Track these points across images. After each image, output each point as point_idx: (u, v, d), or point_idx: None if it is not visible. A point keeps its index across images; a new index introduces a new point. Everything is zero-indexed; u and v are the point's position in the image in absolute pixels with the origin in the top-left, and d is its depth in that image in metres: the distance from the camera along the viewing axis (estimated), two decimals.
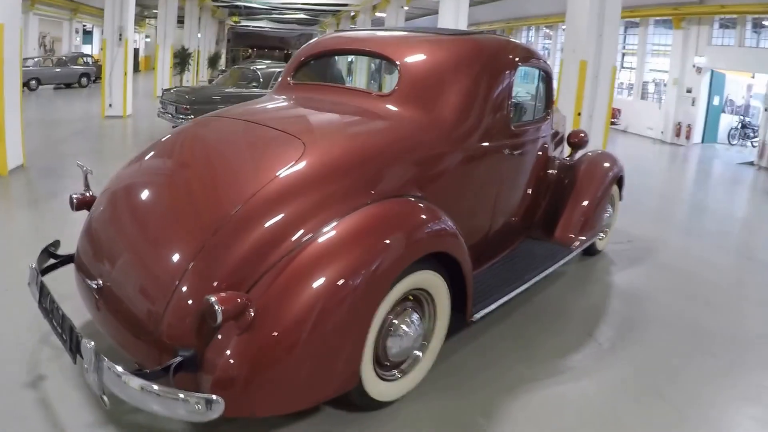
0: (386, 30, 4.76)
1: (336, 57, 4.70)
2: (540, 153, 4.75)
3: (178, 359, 2.48)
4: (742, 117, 19.11)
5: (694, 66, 17.12)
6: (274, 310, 2.53)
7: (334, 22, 37.91)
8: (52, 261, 3.50)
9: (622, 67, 21.34)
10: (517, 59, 4.23)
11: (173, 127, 11.39)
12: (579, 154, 5.71)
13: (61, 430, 2.83)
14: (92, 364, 2.45)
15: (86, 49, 31.73)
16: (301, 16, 38.41)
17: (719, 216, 9.15)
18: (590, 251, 5.81)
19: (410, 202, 3.21)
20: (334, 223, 2.83)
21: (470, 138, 3.76)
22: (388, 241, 2.85)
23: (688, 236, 7.49)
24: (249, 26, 45.20)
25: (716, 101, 17.92)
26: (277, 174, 2.93)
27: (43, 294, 3.07)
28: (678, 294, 5.15)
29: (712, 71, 17.24)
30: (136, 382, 2.39)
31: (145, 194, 3.24)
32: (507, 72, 4.06)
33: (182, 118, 10.71)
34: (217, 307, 2.38)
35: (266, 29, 46.45)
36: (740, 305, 5.05)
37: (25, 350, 3.50)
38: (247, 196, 2.82)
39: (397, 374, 3.18)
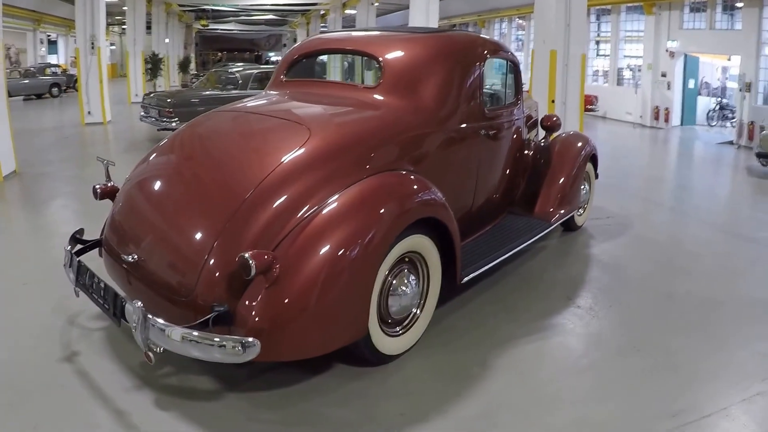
0: (369, 31, 5.39)
1: (323, 56, 5.34)
2: (515, 135, 5.34)
3: (215, 313, 2.97)
4: (719, 99, 19.81)
5: (667, 50, 17.80)
6: (295, 268, 3.04)
7: (304, 21, 38.32)
8: (79, 246, 3.98)
9: (597, 54, 22.04)
10: (486, 52, 4.85)
11: (158, 130, 11.81)
12: (553, 136, 6.26)
13: (101, 394, 3.27)
14: (140, 322, 2.92)
15: (52, 59, 31.83)
16: (270, 17, 38.75)
17: (700, 193, 9.68)
18: (570, 227, 6.35)
19: (403, 175, 3.79)
20: (339, 194, 3.37)
21: (450, 120, 4.36)
22: (385, 208, 3.41)
23: (669, 212, 7.99)
24: (217, 29, 45.33)
25: (691, 84, 18.59)
26: (288, 155, 3.48)
27: (81, 272, 3.58)
28: (654, 263, 5.67)
29: (686, 55, 17.90)
30: (178, 332, 2.88)
31: (170, 181, 3.81)
32: (478, 63, 4.68)
33: (166, 122, 11.14)
34: (251, 261, 2.88)
35: (235, 32, 46.63)
36: (715, 273, 5.53)
37: (54, 331, 3.98)
38: (265, 174, 3.36)
39: (399, 330, 3.71)
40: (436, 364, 3.70)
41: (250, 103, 4.65)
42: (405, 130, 4.07)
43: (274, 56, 46.42)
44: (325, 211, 3.28)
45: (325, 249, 3.11)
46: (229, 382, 3.42)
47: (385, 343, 3.56)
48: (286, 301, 2.99)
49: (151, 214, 3.66)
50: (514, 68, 5.32)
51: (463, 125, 4.46)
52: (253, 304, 3.00)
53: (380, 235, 3.30)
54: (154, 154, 4.12)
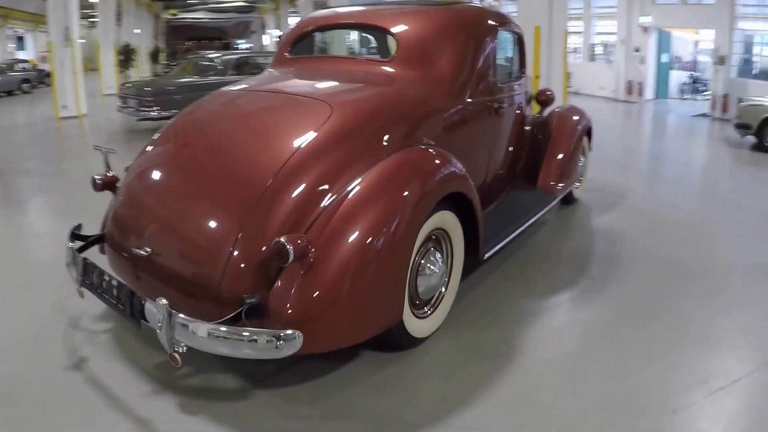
0: (374, 5, 5.09)
1: (328, 32, 5.04)
2: (519, 109, 5.20)
3: (248, 305, 2.71)
4: (691, 72, 19.89)
5: (639, 26, 17.72)
6: (329, 253, 2.79)
7: (273, 7, 37.57)
8: (79, 243, 3.60)
9: (569, 31, 21.87)
10: (497, 24, 4.67)
11: (137, 120, 11.40)
12: (547, 111, 6.17)
13: (118, 402, 2.94)
14: (165, 321, 2.65)
15: (21, 55, 30.84)
16: (239, 3, 38.05)
17: (686, 164, 9.78)
18: (568, 200, 6.27)
19: (427, 150, 3.55)
20: (367, 173, 3.12)
21: (466, 93, 4.16)
22: (416, 185, 3.20)
23: (659, 183, 8.05)
24: (186, 19, 44.43)
25: (665, 59, 18.59)
26: (311, 134, 3.20)
27: (87, 271, 3.25)
28: (656, 233, 5.60)
29: (659, 30, 17.86)
30: (205, 328, 2.61)
31: (183, 168, 3.46)
32: (491, 35, 4.51)
33: (145, 111, 10.72)
34: (288, 246, 2.64)
35: (204, 20, 45.75)
36: (718, 240, 5.52)
37: (57, 336, 3.60)
38: (288, 155, 3.09)
39: (427, 311, 3.51)
40: (463, 344, 3.53)
41: (258, 81, 4.35)
42: (425, 104, 3.87)
43: (243, 43, 45.74)
44: (354, 192, 3.03)
45: (359, 232, 2.87)
46: (255, 378, 3.15)
47: (414, 325, 3.35)
48: (324, 288, 2.75)
49: (163, 204, 3.31)
50: (519, 41, 5.16)
51: (478, 98, 4.28)
52: (288, 293, 2.74)
53: (413, 214, 3.09)
54: (159, 141, 3.78)
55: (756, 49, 15.30)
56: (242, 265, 2.83)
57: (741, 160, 9.81)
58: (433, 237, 3.49)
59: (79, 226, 3.71)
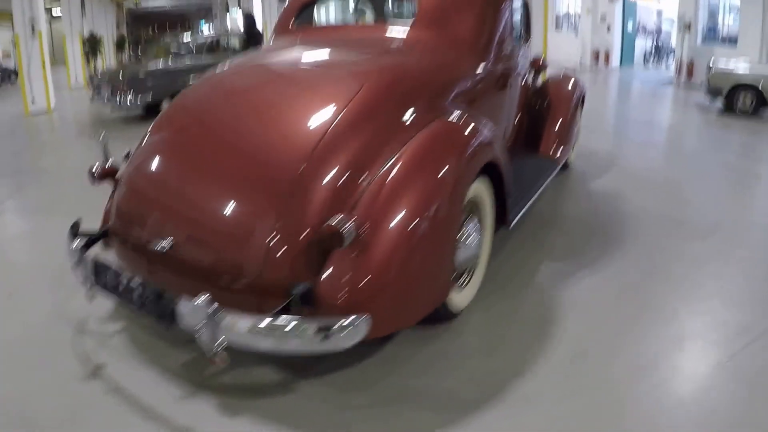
0: None
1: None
2: (526, 75, 5.10)
3: (299, 292, 2.47)
4: (655, 40, 19.99)
5: None
6: (380, 232, 2.58)
7: None
8: (79, 240, 3.20)
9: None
10: None
11: (111, 111, 10.94)
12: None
13: (150, 410, 2.65)
14: (206, 318, 2.39)
15: None
16: None
17: (664, 128, 10.04)
18: (563, 165, 6.23)
19: (464, 117, 3.32)
20: (407, 145, 2.90)
21: (488, 57, 3.96)
22: (459, 156, 3.01)
23: (643, 147, 8.21)
24: (148, 7, 43.20)
25: (630, 27, 18.61)
26: (345, 107, 2.92)
27: (100, 271, 2.91)
28: (653, 194, 5.75)
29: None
30: (288, 321, 2.37)
31: (201, 150, 3.05)
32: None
33: (120, 99, 10.26)
34: (345, 226, 2.43)
35: (166, 7, 44.53)
36: (713, 199, 5.67)
37: (65, 345, 3.20)
38: (323, 130, 2.81)
39: (464, 282, 3.36)
40: (501, 313, 3.43)
41: (269, 54, 3.99)
42: (455, 69, 3.65)
43: (206, 27, 44.65)
44: (398, 166, 2.80)
45: (407, 210, 2.66)
46: (294, 368, 2.89)
47: (454, 298, 3.19)
48: (378, 269, 2.54)
49: (181, 192, 2.91)
50: (526, 5, 4.99)
51: (499, 63, 4.10)
52: (342, 277, 2.52)
53: (459, 186, 2.92)
54: (164, 122, 3.40)
55: (720, 16, 15.36)
56: (284, 251, 2.56)
57: (716, 123, 10.03)
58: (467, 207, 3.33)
59: (76, 224, 3.30)
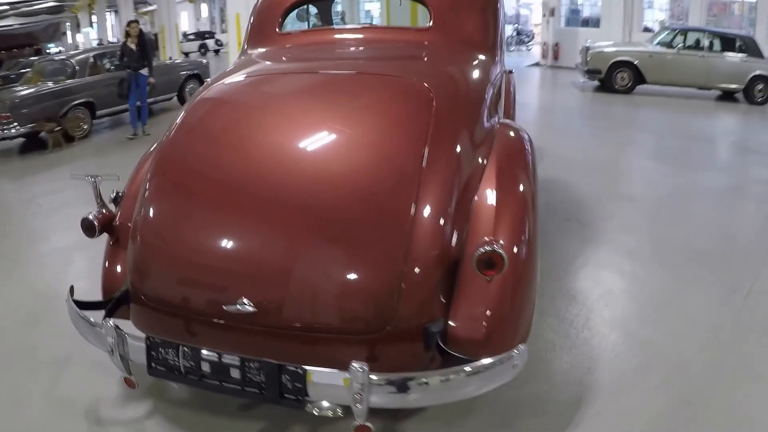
0: None
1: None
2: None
3: (436, 333, 2.13)
4: (515, 25, 20.64)
5: None
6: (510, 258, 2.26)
7: (86, 3, 33.96)
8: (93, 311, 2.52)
9: None
10: None
11: None
12: None
13: None
14: (361, 385, 1.95)
15: None
16: (50, 3, 33.96)
17: (556, 109, 10.37)
18: None
19: (518, 129, 3.06)
20: (491, 161, 2.63)
21: (500, 56, 3.72)
22: (534, 167, 2.80)
23: (547, 129, 8.48)
24: None
25: None
26: (427, 122, 2.47)
27: (155, 350, 2.23)
28: (591, 174, 6.19)
29: None
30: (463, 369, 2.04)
31: (255, 184, 2.43)
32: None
33: (4, 128, 8.90)
34: (503, 252, 2.10)
35: (13, 26, 40.27)
36: (609, 171, 6.42)
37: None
38: (419, 149, 2.37)
39: None
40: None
41: (292, 63, 3.46)
42: (489, 74, 3.33)
43: (53, 47, 40.93)
44: (491, 184, 2.49)
45: (514, 230, 2.37)
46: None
47: None
48: (512, 295, 2.27)
49: (261, 238, 2.30)
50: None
51: (504, 65, 3.89)
52: (481, 307, 2.19)
53: (535, 201, 2.67)
54: (197, 151, 2.67)
55: (580, 0, 16.11)
56: (419, 290, 2.17)
57: (601, 101, 10.39)
58: None
59: (72, 289, 2.60)
